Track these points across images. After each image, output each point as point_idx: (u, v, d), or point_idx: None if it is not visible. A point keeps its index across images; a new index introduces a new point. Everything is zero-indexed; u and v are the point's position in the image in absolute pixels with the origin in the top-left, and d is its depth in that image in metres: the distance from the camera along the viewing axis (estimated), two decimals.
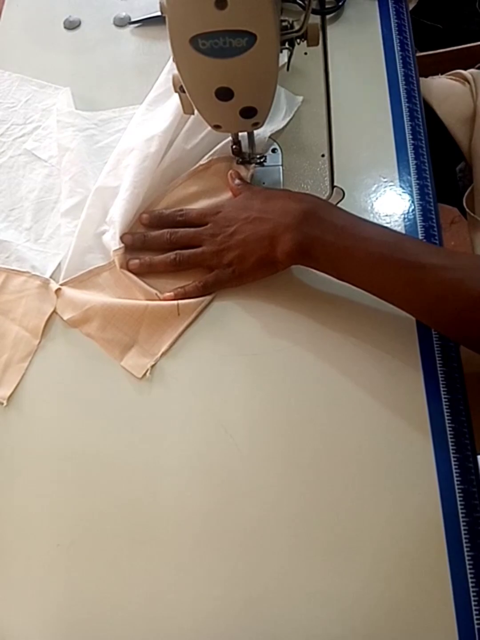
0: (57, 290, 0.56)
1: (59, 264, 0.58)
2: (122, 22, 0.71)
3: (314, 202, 0.51)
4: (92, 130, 0.64)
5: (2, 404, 0.52)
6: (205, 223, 0.56)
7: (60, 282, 0.57)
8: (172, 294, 0.55)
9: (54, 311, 0.56)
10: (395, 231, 0.51)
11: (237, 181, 0.58)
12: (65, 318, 0.55)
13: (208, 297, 0.55)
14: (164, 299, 0.54)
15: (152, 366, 0.53)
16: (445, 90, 0.73)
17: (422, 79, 0.70)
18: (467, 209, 0.69)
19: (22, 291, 0.56)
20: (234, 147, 0.57)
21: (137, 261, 0.56)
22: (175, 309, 0.54)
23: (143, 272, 0.56)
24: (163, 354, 0.53)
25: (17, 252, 0.58)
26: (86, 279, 0.57)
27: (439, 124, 0.72)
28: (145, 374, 0.52)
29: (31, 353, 0.54)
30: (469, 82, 0.72)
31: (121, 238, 0.57)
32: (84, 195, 0.59)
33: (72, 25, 0.72)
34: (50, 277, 0.57)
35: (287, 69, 0.54)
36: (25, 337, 0.55)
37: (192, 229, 0.56)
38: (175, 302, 0.54)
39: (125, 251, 0.56)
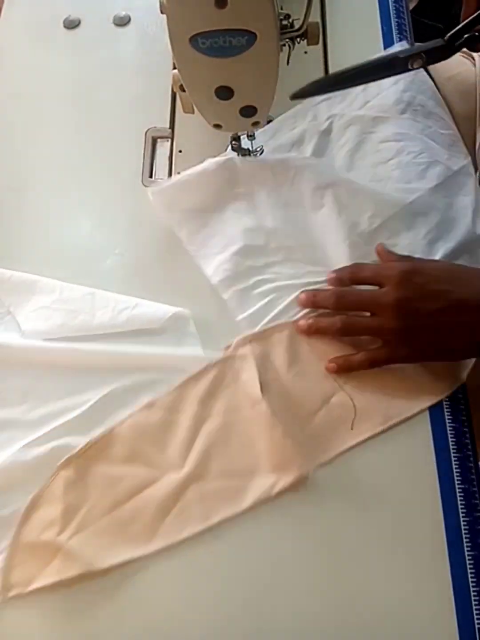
0: None
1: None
2: (122, 21, 0.71)
3: None
4: None
5: None
6: (381, 284, 0.49)
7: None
8: (334, 365, 0.49)
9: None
10: None
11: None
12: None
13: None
14: (327, 370, 0.50)
15: None
16: (452, 67, 0.70)
17: None
18: None
19: None
20: (233, 142, 0.57)
21: (304, 322, 0.51)
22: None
23: (311, 334, 0.51)
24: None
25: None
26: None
27: None
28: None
29: None
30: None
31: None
32: None
33: (71, 24, 0.72)
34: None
35: (287, 62, 0.54)
36: None
37: (368, 293, 0.50)
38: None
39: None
